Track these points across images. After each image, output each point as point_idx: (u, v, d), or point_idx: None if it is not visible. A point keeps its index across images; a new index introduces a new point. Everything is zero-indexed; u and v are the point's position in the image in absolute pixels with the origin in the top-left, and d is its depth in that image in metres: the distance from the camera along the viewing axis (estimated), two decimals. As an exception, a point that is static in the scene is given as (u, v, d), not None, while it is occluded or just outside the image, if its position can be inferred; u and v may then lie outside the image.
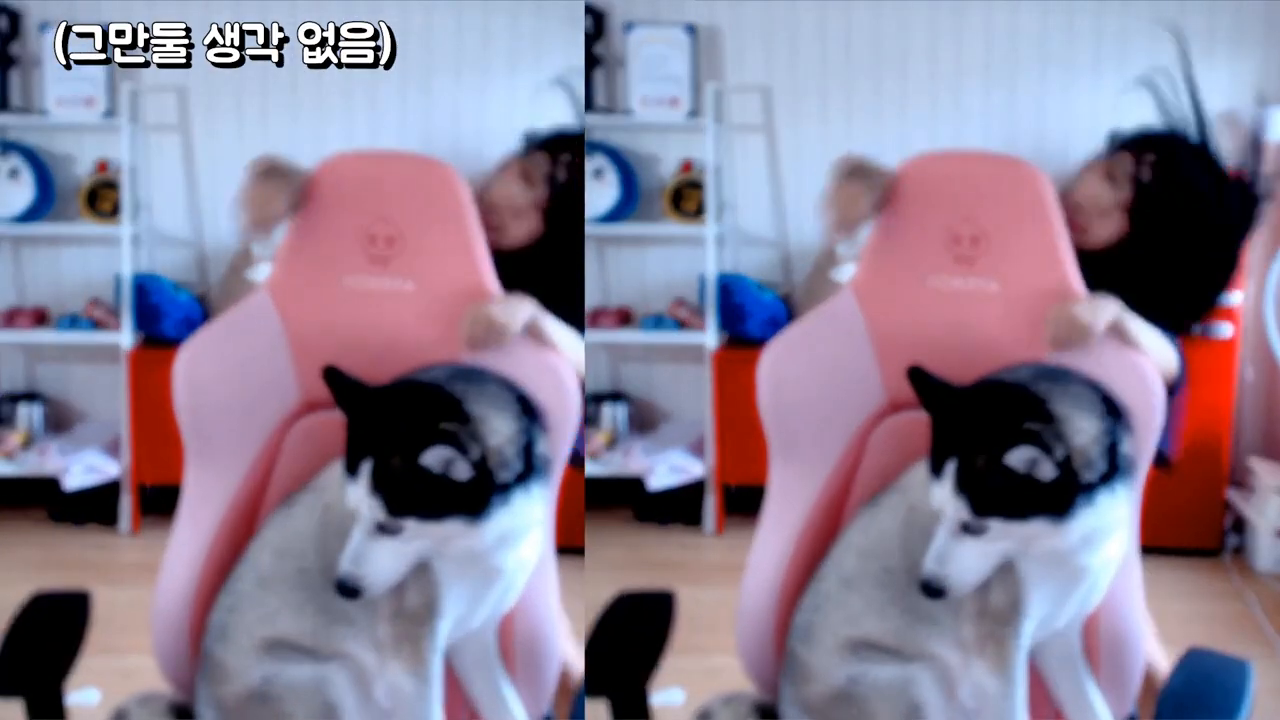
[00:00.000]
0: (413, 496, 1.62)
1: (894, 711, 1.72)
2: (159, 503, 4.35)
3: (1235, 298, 4.14)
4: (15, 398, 4.51)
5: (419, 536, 1.64)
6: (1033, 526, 1.63)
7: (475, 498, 1.63)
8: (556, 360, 1.81)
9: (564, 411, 1.78)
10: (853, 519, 1.82)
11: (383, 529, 1.63)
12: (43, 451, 4.28)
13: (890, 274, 1.87)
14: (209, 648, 1.76)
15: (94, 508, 4.35)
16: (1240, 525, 4.25)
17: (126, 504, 4.32)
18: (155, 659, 1.82)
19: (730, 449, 4.35)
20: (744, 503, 4.42)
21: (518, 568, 1.74)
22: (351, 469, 1.64)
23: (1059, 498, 1.62)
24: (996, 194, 1.84)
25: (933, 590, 1.65)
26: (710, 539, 4.37)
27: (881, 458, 1.85)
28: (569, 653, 1.97)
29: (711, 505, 4.40)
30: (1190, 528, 4.13)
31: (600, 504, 4.35)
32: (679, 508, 4.41)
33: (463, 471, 1.61)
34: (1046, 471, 1.60)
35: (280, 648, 1.74)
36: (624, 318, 4.56)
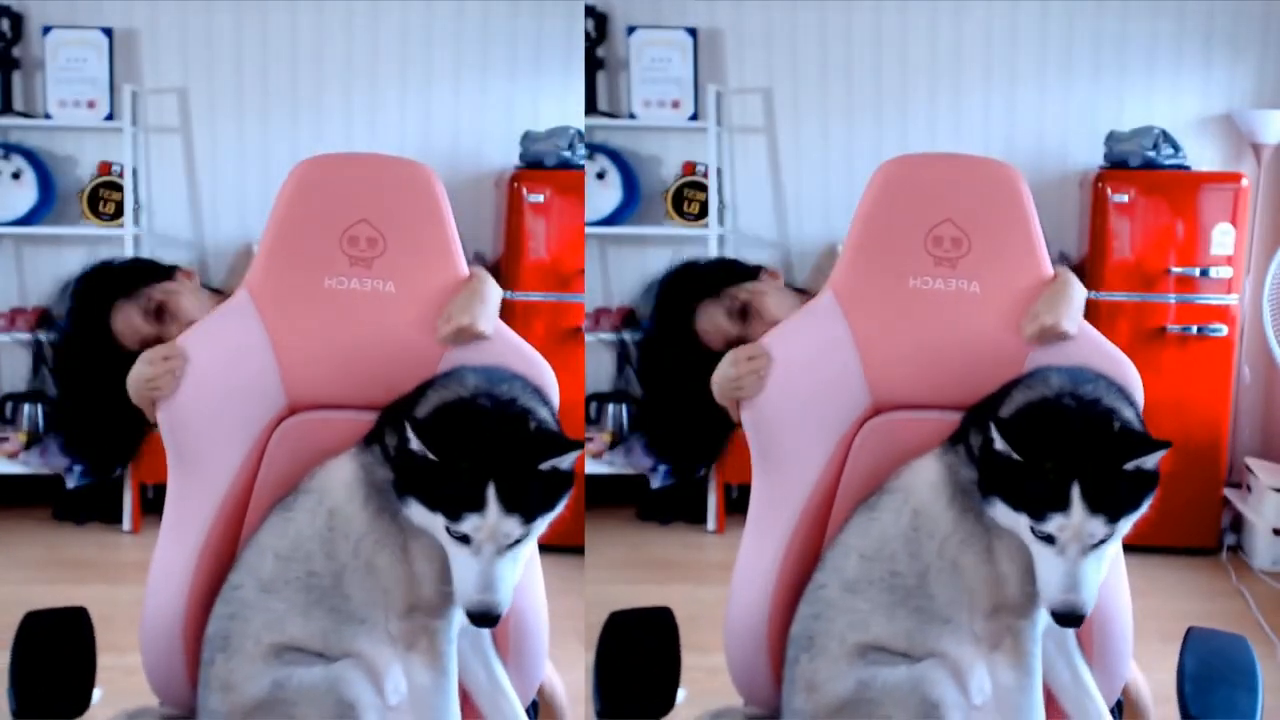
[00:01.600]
0: (539, 500, 1.61)
1: (908, 712, 1.69)
2: (161, 502, 4.35)
3: (1232, 298, 4.15)
4: (18, 397, 4.52)
5: (532, 535, 1.63)
6: (1139, 512, 1.62)
7: (571, 477, 1.64)
8: (532, 351, 1.82)
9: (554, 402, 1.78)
10: (848, 522, 1.80)
11: (517, 542, 1.61)
12: (45, 451, 4.29)
13: (872, 276, 1.85)
14: (210, 658, 1.71)
15: (96, 506, 4.37)
16: (1238, 524, 4.26)
17: (128, 503, 4.34)
18: (146, 674, 1.78)
19: (732, 448, 4.34)
20: (746, 502, 4.42)
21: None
22: (470, 505, 1.58)
23: (1155, 477, 1.61)
24: (976, 196, 1.83)
25: (1076, 619, 1.60)
26: (712, 537, 4.38)
27: (868, 459, 1.82)
28: (549, 673, 1.96)
29: (713, 504, 4.41)
30: (1188, 527, 4.14)
31: (603, 503, 4.35)
32: (681, 506, 4.43)
33: (570, 459, 1.62)
34: (1154, 458, 1.60)
35: (289, 652, 1.70)
36: (627, 318, 4.56)
